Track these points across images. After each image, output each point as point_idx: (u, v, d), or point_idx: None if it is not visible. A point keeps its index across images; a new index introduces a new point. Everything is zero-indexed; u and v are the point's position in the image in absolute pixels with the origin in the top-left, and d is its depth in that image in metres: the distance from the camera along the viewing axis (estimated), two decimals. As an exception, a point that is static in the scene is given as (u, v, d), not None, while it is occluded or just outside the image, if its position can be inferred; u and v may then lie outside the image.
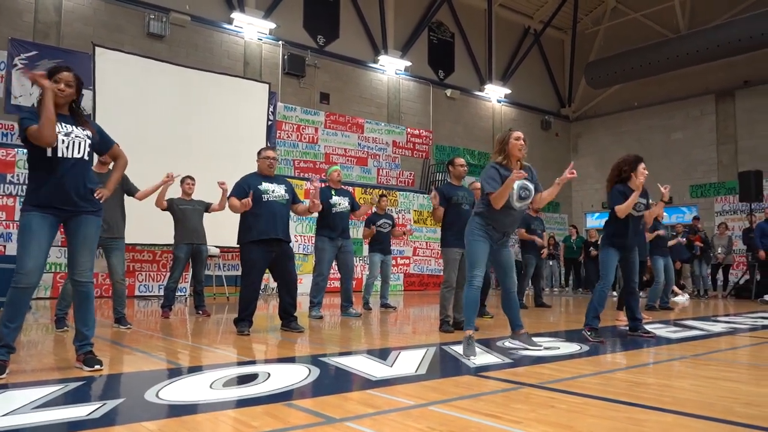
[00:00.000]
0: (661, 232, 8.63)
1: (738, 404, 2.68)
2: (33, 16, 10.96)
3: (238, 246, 5.51)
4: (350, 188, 13.46)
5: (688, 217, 17.55)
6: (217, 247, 10.42)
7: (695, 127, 17.90)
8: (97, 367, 3.37)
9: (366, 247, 9.98)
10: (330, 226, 6.94)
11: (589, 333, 4.89)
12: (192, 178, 7.29)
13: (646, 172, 5.15)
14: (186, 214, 7.08)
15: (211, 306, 8.88)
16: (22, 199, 9.92)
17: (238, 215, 5.43)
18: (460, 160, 6.03)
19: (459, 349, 4.11)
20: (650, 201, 5.36)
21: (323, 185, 7.05)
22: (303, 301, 9.42)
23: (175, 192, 7.27)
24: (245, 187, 5.35)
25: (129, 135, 10.00)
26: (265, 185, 5.43)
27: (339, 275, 7.42)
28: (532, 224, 9.13)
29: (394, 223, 8.74)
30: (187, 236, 7.05)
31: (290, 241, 5.61)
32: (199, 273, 7.28)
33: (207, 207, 7.24)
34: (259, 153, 5.66)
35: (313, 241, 7.32)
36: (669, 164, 18.28)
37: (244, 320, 5.30)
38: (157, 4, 12.27)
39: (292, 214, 5.75)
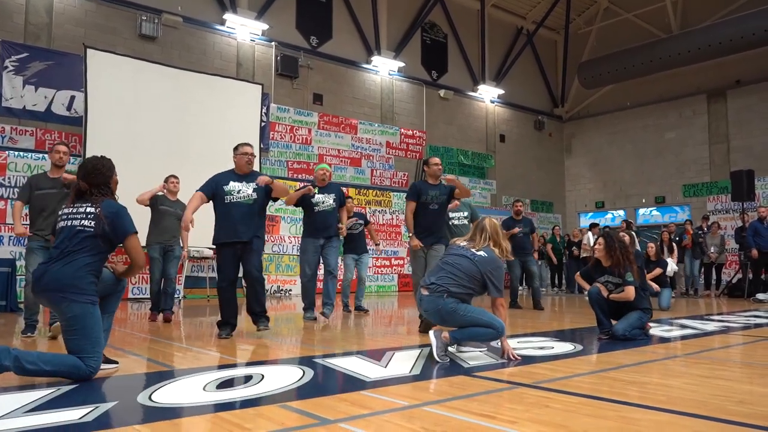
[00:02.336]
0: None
1: (731, 402, 2.69)
2: (24, 18, 10.90)
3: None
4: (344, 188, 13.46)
5: (681, 216, 17.64)
6: (210, 248, 10.40)
7: (687, 126, 17.99)
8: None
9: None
10: (312, 224, 6.78)
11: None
12: (176, 177, 7.27)
13: (601, 252, 5.12)
14: (163, 215, 7.04)
15: (205, 308, 8.86)
16: (14, 203, 9.87)
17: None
18: (435, 159, 6.15)
19: (452, 349, 4.10)
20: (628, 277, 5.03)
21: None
22: (298, 302, 9.40)
23: (142, 189, 7.23)
24: (212, 186, 5.32)
25: (122, 137, 10.03)
26: (232, 185, 5.30)
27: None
28: (516, 225, 9.10)
29: (367, 221, 8.63)
30: (159, 236, 7.00)
31: (257, 237, 5.35)
32: (170, 271, 7.09)
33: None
34: (235, 149, 5.47)
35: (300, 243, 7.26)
36: (662, 164, 18.37)
37: (225, 324, 5.22)
38: (149, 6, 12.22)
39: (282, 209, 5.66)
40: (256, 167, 11.23)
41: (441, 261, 4.15)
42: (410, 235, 5.93)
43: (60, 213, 3.42)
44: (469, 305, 3.94)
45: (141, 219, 7.41)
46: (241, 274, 5.47)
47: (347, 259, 8.26)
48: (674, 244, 11.26)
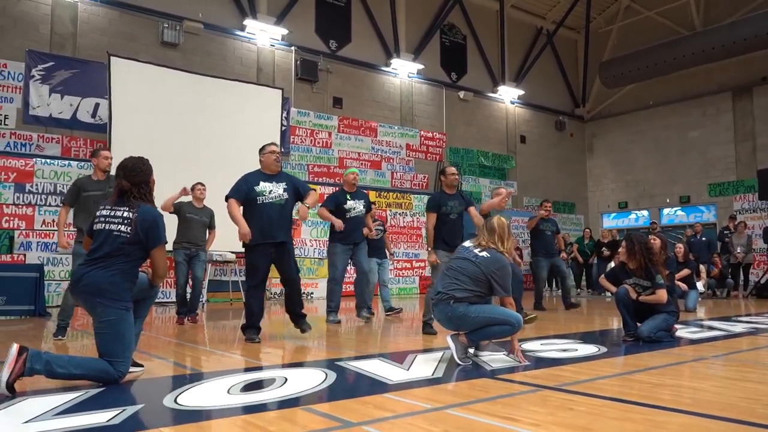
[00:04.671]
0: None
1: (760, 405, 2.64)
2: (49, 28, 11.11)
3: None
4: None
5: (707, 216, 17.39)
6: (232, 252, 10.48)
7: (712, 124, 17.70)
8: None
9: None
10: (343, 230, 6.83)
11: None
12: (203, 184, 7.43)
13: (624, 255, 5.08)
14: (190, 223, 7.18)
15: (227, 311, 8.93)
16: (41, 209, 10.09)
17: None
18: (452, 169, 6.18)
19: (473, 351, 4.08)
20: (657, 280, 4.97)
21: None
22: (320, 306, 9.43)
23: (166, 194, 7.32)
24: (244, 188, 5.22)
25: (144, 142, 10.14)
26: (263, 185, 5.24)
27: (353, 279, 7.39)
28: (541, 225, 9.02)
29: (386, 228, 8.76)
30: (186, 242, 7.16)
31: (290, 240, 5.38)
32: (197, 273, 7.30)
33: (210, 224, 7.40)
34: (262, 149, 5.45)
35: (327, 246, 7.31)
36: (686, 163, 18.10)
37: (252, 327, 5.17)
38: (171, 13, 12.39)
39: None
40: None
41: (446, 267, 4.11)
42: (429, 249, 5.91)
43: (98, 214, 3.44)
44: (480, 305, 3.88)
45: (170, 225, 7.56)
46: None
47: (371, 263, 8.30)
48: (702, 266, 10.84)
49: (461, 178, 16.11)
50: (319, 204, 6.90)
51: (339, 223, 6.66)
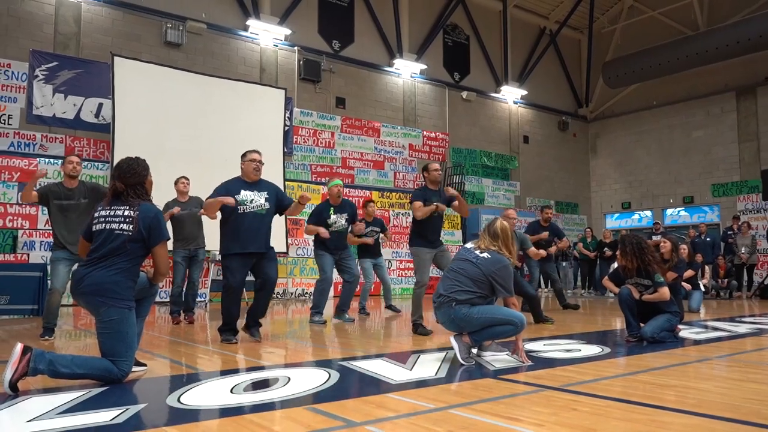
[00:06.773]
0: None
1: (764, 406, 2.63)
2: (53, 28, 11.14)
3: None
4: (367, 191, 13.49)
5: (710, 217, 17.36)
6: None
7: (716, 125, 17.65)
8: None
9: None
10: (326, 243, 6.80)
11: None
12: (186, 178, 7.25)
13: (620, 260, 5.09)
14: (181, 219, 6.99)
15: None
16: (44, 209, 10.08)
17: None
18: (435, 165, 6.03)
19: (475, 351, 4.07)
20: (658, 279, 4.96)
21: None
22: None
23: (169, 193, 7.23)
24: (224, 193, 5.02)
25: (148, 142, 10.17)
26: (243, 194, 5.05)
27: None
28: (542, 232, 8.89)
29: (384, 228, 8.56)
30: (184, 242, 7.03)
31: (271, 249, 5.20)
32: (194, 276, 7.19)
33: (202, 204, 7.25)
34: (243, 156, 5.21)
35: (312, 244, 7.23)
36: (689, 163, 18.06)
37: (232, 329, 5.07)
38: (174, 13, 12.40)
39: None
40: (279, 172, 11.48)
41: (447, 269, 4.12)
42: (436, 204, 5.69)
43: (96, 215, 3.42)
44: (482, 306, 3.87)
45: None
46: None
47: (365, 263, 8.23)
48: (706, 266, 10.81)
49: (464, 178, 16.12)
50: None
51: (324, 232, 6.61)
